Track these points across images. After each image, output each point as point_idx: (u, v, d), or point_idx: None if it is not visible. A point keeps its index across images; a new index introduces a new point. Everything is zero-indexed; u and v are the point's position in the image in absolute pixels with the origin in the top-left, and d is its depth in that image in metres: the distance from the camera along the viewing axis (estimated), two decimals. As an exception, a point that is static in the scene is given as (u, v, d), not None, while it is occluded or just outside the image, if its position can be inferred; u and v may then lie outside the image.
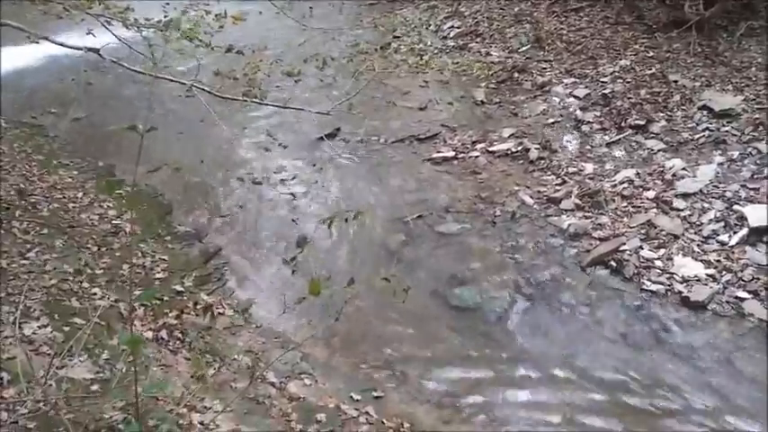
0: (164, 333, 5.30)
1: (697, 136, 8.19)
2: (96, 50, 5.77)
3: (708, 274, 6.22)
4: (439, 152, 8.70)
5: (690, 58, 9.70)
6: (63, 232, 6.37)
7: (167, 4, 6.99)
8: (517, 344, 5.72)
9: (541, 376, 5.34)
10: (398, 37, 10.87)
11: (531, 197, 7.61)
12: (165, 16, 6.28)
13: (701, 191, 7.19)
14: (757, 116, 8.15)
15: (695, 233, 6.73)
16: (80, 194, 7.34)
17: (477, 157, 8.55)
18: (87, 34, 6.50)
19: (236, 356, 5.23)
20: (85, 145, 8.64)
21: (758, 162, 7.47)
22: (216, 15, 6.27)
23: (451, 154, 8.63)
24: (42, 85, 10.04)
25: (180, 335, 5.37)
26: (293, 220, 7.32)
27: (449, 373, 5.40)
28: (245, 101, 5.73)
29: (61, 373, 4.20)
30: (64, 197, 7.22)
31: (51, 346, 4.57)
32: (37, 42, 5.96)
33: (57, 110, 9.40)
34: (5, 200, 6.64)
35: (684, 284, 6.16)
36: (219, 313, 5.92)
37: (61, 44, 5.96)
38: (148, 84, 8.77)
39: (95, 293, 5.52)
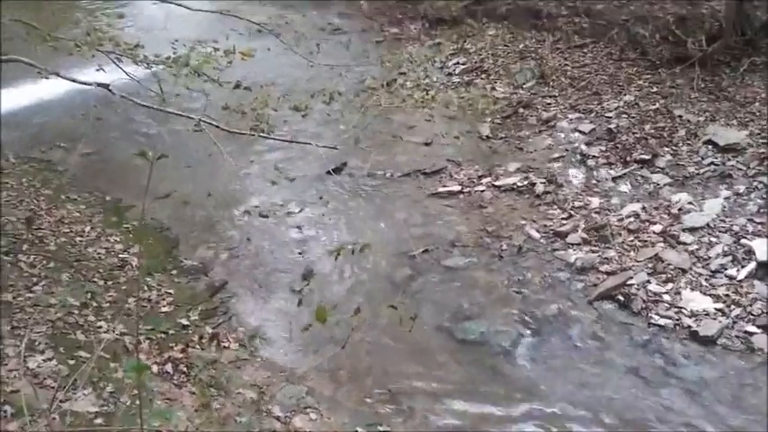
0: (168, 367, 5.29)
1: (703, 170, 8.20)
2: (106, 86, 5.84)
3: (717, 309, 6.19)
4: (445, 186, 8.72)
5: (694, 94, 9.76)
6: (70, 266, 6.39)
7: (176, 41, 7.09)
8: (524, 378, 5.67)
9: (548, 412, 5.28)
10: (404, 73, 10.97)
11: (538, 231, 7.61)
12: (175, 53, 6.39)
13: (707, 225, 7.18)
14: (762, 150, 8.16)
15: (703, 267, 6.71)
16: (87, 228, 7.38)
17: (483, 191, 8.57)
18: (97, 70, 6.59)
19: (240, 390, 5.19)
20: (93, 180, 8.69)
21: (764, 196, 7.47)
22: (224, 51, 6.36)
23: (457, 188, 8.65)
24: (52, 121, 10.14)
25: (185, 368, 5.35)
26: (299, 253, 7.33)
27: (455, 407, 5.35)
28: (253, 135, 5.79)
29: (65, 407, 4.19)
30: (71, 231, 7.25)
31: (56, 379, 4.56)
32: (47, 78, 6.04)
33: (65, 145, 9.48)
34: (13, 234, 6.68)
35: (693, 319, 6.12)
36: (225, 347, 5.90)
37: (72, 80, 6.03)
38: (157, 119, 8.91)
39: (101, 327, 5.52)
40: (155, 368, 5.18)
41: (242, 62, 6.33)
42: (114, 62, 6.63)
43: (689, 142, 8.77)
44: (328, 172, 7.78)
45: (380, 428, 5.08)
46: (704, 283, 6.50)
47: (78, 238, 7.14)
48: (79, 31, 6.91)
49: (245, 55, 6.24)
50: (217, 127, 5.59)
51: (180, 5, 7.14)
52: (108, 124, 9.83)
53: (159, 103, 6.23)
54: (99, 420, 4.11)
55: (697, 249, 6.90)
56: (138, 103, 6.01)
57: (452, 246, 7.49)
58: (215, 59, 6.36)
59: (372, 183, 8.81)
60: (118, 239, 7.22)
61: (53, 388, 4.35)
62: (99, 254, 6.91)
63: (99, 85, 5.97)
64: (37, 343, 4.95)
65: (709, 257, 6.77)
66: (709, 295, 6.35)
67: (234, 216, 8.05)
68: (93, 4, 7.89)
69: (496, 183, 8.70)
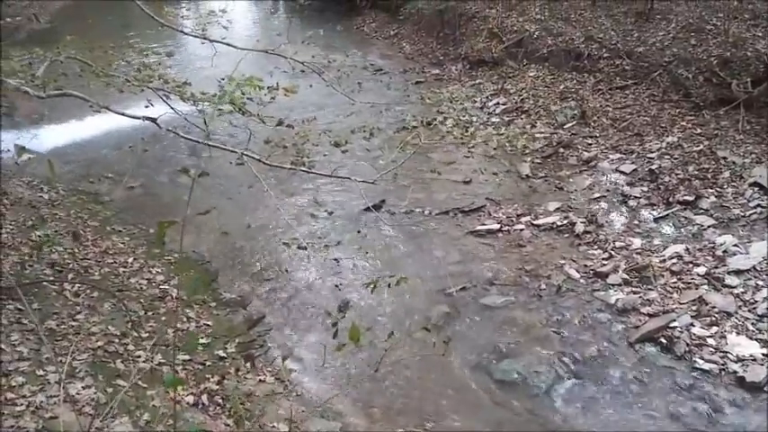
0: (204, 398, 5.30)
1: (748, 212, 8.04)
2: (153, 119, 6.01)
3: (764, 354, 5.99)
4: (483, 225, 8.70)
5: (738, 135, 9.63)
6: (112, 296, 6.50)
7: (222, 79, 7.27)
8: (561, 421, 5.54)
9: (587, 456, 5.14)
10: (444, 112, 11.06)
11: (577, 271, 7.51)
12: (221, 90, 6.55)
13: (753, 268, 7.01)
14: (811, 193, 7.99)
15: (749, 311, 6.52)
16: (130, 260, 7.51)
17: (521, 230, 8.52)
18: (146, 107, 6.79)
19: (274, 424, 5.17)
20: (138, 213, 8.89)
21: (814, 240, 7.28)
22: (268, 88, 6.49)
23: (496, 227, 8.62)
24: (101, 154, 10.47)
25: (220, 400, 5.36)
26: (336, 286, 7.35)
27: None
28: (294, 169, 5.86)
29: (102, 434, 4.23)
30: (115, 262, 7.39)
31: (94, 406, 4.60)
32: (99, 111, 6.24)
33: (113, 176, 9.76)
34: (59, 263, 6.84)
35: (739, 364, 5.93)
36: (261, 380, 5.91)
37: (121, 113, 6.22)
38: (201, 154, 9.11)
39: (140, 356, 5.57)
40: (191, 399, 5.19)
41: (285, 99, 6.45)
42: (162, 98, 6.82)
43: (734, 184, 8.62)
44: (367, 209, 7.83)
45: (414, 467, 5.00)
46: (751, 327, 6.31)
47: (122, 269, 7.26)
48: (130, 68, 7.13)
49: (288, 91, 6.35)
50: (258, 161, 5.70)
51: (227, 45, 7.34)
52: (154, 158, 10.09)
53: (204, 138, 6.39)
54: (134, 448, 4.12)
55: (743, 293, 6.72)
56: (183, 137, 6.16)
57: (490, 284, 7.43)
58: (259, 96, 6.50)
59: (410, 220, 8.84)
60: (159, 271, 7.34)
61: (91, 415, 4.39)
62: (141, 284, 7.02)
63: (146, 118, 6.16)
64: (78, 370, 5.01)
65: (756, 301, 6.58)
66: (756, 340, 6.16)
67: (273, 248, 8.13)
68: (145, 43, 8.17)
69: (536, 222, 8.65)
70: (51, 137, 10.52)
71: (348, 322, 6.04)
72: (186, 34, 7.86)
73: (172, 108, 6.64)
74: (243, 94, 6.47)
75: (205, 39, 7.28)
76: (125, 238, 8.19)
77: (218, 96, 6.49)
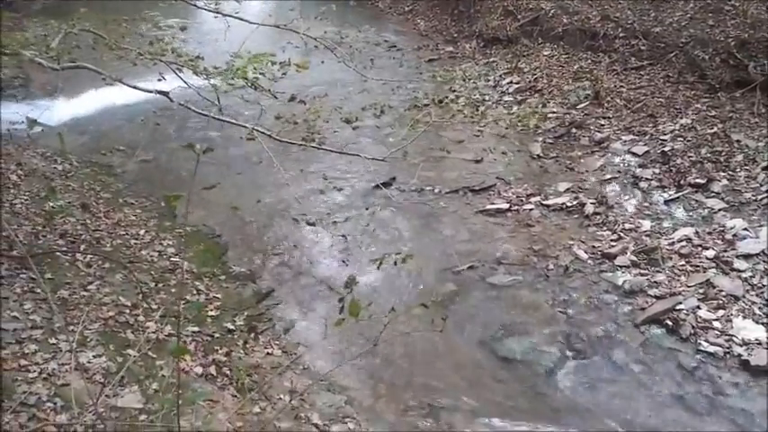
0: (212, 369, 5.39)
1: (760, 197, 7.99)
2: (165, 93, 6.05)
3: (769, 338, 6.00)
4: (493, 204, 8.70)
5: (754, 119, 9.53)
6: (123, 267, 6.58)
7: (235, 53, 7.28)
8: (565, 399, 5.59)
9: (591, 434, 5.19)
10: (456, 90, 11.01)
11: (586, 252, 7.52)
12: (233, 65, 6.57)
13: (763, 252, 6.98)
14: (824, 178, 7.93)
15: (757, 295, 6.52)
16: (142, 232, 7.59)
17: (531, 210, 8.52)
18: (159, 80, 6.83)
19: (281, 396, 5.26)
20: (150, 185, 8.95)
21: (825, 225, 7.24)
22: (280, 63, 6.51)
23: (505, 206, 8.61)
24: (113, 127, 10.52)
25: (228, 372, 5.45)
26: (344, 262, 7.41)
27: (494, 425, 5.30)
28: (304, 145, 5.90)
29: (112, 402, 4.32)
30: (127, 234, 7.48)
31: (104, 375, 4.70)
32: (111, 84, 6.29)
33: (125, 149, 9.83)
34: (72, 234, 6.93)
35: (744, 348, 5.94)
36: (268, 353, 5.99)
37: (134, 86, 6.26)
38: (213, 128, 9.14)
39: (149, 327, 5.66)
40: (199, 369, 5.28)
41: (297, 75, 6.45)
42: (175, 72, 6.85)
43: (747, 168, 8.57)
44: (377, 186, 7.85)
45: (418, 441, 5.07)
46: (757, 311, 6.31)
47: (133, 241, 7.35)
48: (143, 41, 7.15)
49: (300, 67, 6.36)
50: (269, 136, 5.73)
51: (240, 20, 7.33)
52: (165, 132, 10.13)
53: (216, 113, 6.42)
54: (143, 417, 4.21)
55: (751, 277, 6.71)
56: (195, 111, 6.20)
57: (498, 263, 7.45)
58: (271, 71, 6.51)
59: (420, 198, 8.86)
60: (170, 244, 7.42)
61: (101, 383, 4.48)
62: (152, 256, 7.10)
63: (159, 92, 6.20)
64: (89, 339, 5.10)
65: (764, 285, 6.57)
66: (763, 324, 6.16)
67: (282, 223, 8.18)
68: (158, 17, 8.17)
69: (545, 202, 8.64)
70: (65, 109, 10.57)
71: (355, 298, 6.13)
72: (199, 8, 7.82)
73: (184, 82, 6.68)
74: (255, 69, 6.51)
75: (218, 13, 7.28)
76: (137, 210, 8.27)
77: (230, 71, 6.53)
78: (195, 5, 8.26)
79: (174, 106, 6.15)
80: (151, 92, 6.10)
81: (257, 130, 5.59)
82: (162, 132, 10.10)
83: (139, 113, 10.42)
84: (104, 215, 7.83)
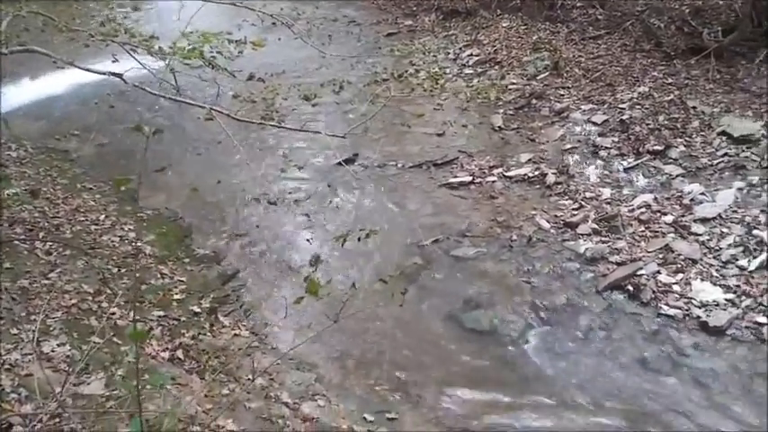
0: (179, 353, 5.36)
1: (716, 161, 8.15)
2: (119, 75, 5.92)
3: (727, 299, 6.16)
4: (456, 177, 8.73)
5: (709, 85, 9.70)
6: (84, 253, 6.48)
7: (190, 32, 7.16)
8: (532, 368, 5.69)
9: (556, 401, 5.29)
10: (416, 64, 10.96)
11: (548, 222, 7.60)
12: (188, 44, 6.45)
13: (719, 216, 7.14)
14: (777, 141, 8.11)
15: (714, 258, 6.67)
16: (102, 217, 7.47)
17: (494, 182, 8.57)
18: (113, 62, 6.68)
19: (249, 376, 5.26)
20: (108, 169, 8.79)
21: (778, 187, 7.43)
22: (236, 42, 6.41)
23: (468, 179, 8.65)
24: (67, 111, 10.28)
25: (195, 355, 5.42)
26: (308, 240, 7.38)
27: (463, 395, 5.37)
28: (263, 124, 5.84)
29: (77, 390, 4.27)
30: (86, 220, 7.36)
31: (69, 363, 4.64)
32: (63, 68, 6.14)
33: (81, 134, 9.62)
34: (30, 222, 6.79)
35: (703, 309, 6.10)
36: (235, 334, 5.98)
37: (86, 69, 6.12)
38: (170, 109, 8.99)
39: (114, 313, 5.60)
40: (166, 354, 5.25)
41: (254, 53, 6.38)
42: (129, 53, 6.72)
43: (703, 133, 8.72)
44: (339, 163, 7.82)
45: (388, 415, 5.12)
46: (715, 273, 6.47)
47: (93, 227, 7.24)
48: (95, 23, 6.98)
49: (256, 45, 6.28)
50: (227, 116, 5.65)
51: (195, -2, 7.20)
52: (121, 114, 9.94)
53: (172, 93, 6.31)
54: (110, 403, 4.17)
55: (708, 240, 6.87)
56: (150, 92, 6.08)
57: (462, 236, 7.50)
58: (227, 49, 6.42)
59: (383, 173, 8.85)
60: (131, 228, 7.32)
61: (66, 372, 4.43)
62: (113, 242, 7.01)
63: (112, 74, 6.06)
64: (52, 328, 5.03)
65: (721, 248, 6.73)
66: (720, 286, 6.32)
67: (244, 204, 8.11)
68: (109, -4, 8.01)
69: (508, 173, 8.70)
70: (16, 94, 10.29)
71: (320, 276, 6.13)
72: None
73: (139, 62, 6.55)
74: (211, 47, 6.41)
75: (172, -9, 7.14)
76: (96, 195, 8.13)
77: (185, 50, 6.41)
78: (147, -16, 8.11)
79: (129, 88, 6.02)
80: (104, 74, 5.97)
81: (215, 110, 5.51)
82: (118, 115, 9.90)
83: (93, 96, 10.19)
84: (62, 201, 7.68)
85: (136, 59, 6.41)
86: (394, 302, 4.59)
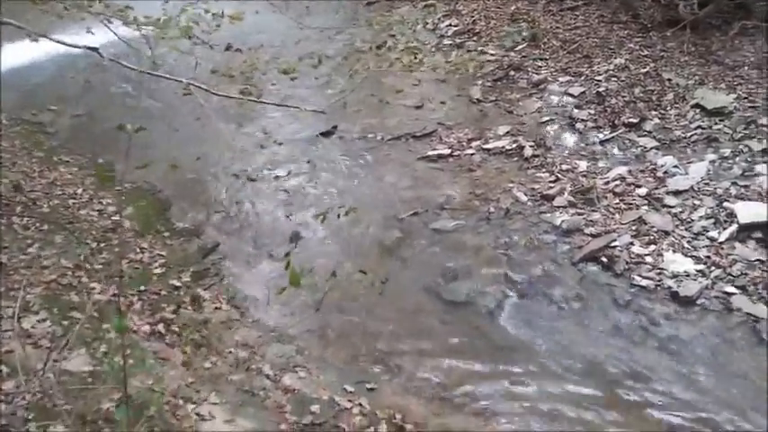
0: (161, 327, 5.41)
1: (689, 134, 8.28)
2: (95, 49, 5.82)
3: (697, 270, 6.32)
4: (435, 150, 8.78)
5: (684, 57, 9.79)
6: (63, 228, 6.47)
7: (166, 2, 7.06)
8: (508, 337, 5.82)
9: (531, 369, 5.43)
10: (394, 35, 10.92)
11: (525, 194, 7.70)
12: (165, 14, 6.37)
13: (692, 188, 7.28)
14: (749, 114, 8.25)
15: (685, 229, 6.82)
16: (80, 191, 7.44)
17: (472, 154, 8.64)
18: (87, 32, 6.58)
19: (231, 350, 5.33)
20: (85, 142, 8.73)
21: (749, 160, 7.57)
22: (213, 14, 6.34)
23: (447, 151, 8.71)
24: (42, 83, 10.13)
25: (177, 329, 5.48)
26: (287, 216, 7.41)
27: (441, 365, 5.50)
28: (242, 99, 5.82)
29: (59, 366, 4.31)
30: (64, 193, 7.32)
31: (50, 339, 4.67)
32: (36, 41, 6.04)
33: (56, 107, 9.50)
34: (6, 196, 6.75)
35: (674, 280, 6.25)
36: (216, 308, 6.03)
37: (60, 42, 6.01)
38: (147, 81, 8.88)
39: (94, 288, 5.62)
40: (147, 328, 5.30)
41: (232, 26, 6.31)
42: (105, 23, 6.61)
43: (677, 106, 8.83)
44: (318, 135, 7.82)
45: (368, 386, 5.23)
46: (686, 245, 6.62)
47: (71, 201, 7.20)
48: (68, -7, 6.84)
49: (233, 18, 6.21)
50: (206, 90, 5.62)
51: (169, -34, 7.08)
52: (98, 86, 9.81)
53: (149, 66, 6.24)
54: (92, 380, 4.22)
55: (680, 212, 7.01)
56: (126, 66, 6.02)
57: (441, 209, 7.58)
58: (205, 21, 6.35)
59: (362, 146, 8.87)
60: (110, 202, 7.30)
61: (48, 348, 4.46)
62: (92, 216, 6.99)
63: (88, 48, 5.97)
64: (31, 304, 5.03)
65: (692, 220, 6.88)
66: (691, 257, 6.48)
67: (223, 180, 8.09)
68: (82, -35, 7.82)
69: (486, 146, 8.77)
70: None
71: (300, 252, 6.18)
72: (125, -44, 7.52)
73: (115, 34, 6.45)
74: (189, 19, 6.34)
75: (146, -40, 7.01)
76: (73, 168, 8.08)
77: (162, 20, 6.33)
78: (121, -47, 7.94)
79: (105, 61, 5.95)
80: (79, 48, 5.87)
81: (193, 85, 5.47)
82: (95, 85, 9.77)
83: (69, 68, 10.04)
84: (39, 174, 7.63)
85: (112, 31, 6.30)
86: (374, 280, 4.65)
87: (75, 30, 6.69)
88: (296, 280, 2.50)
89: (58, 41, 6.01)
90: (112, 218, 7.03)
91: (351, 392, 5.10)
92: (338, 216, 3.85)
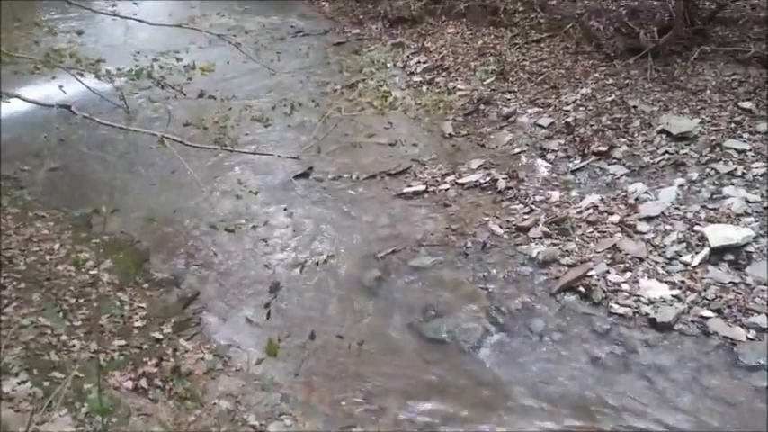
0: (143, 382, 5.38)
1: (657, 159, 8.47)
2: (68, 107, 5.90)
3: (673, 295, 6.44)
4: (410, 186, 8.89)
5: (647, 84, 10.03)
6: (40, 285, 6.43)
7: (137, 53, 7.15)
8: (489, 375, 5.85)
9: (515, 405, 5.48)
10: (365, 77, 11.12)
11: (501, 227, 7.81)
12: (136, 65, 6.44)
13: (663, 213, 7.43)
14: (713, 137, 8.46)
15: (659, 255, 6.95)
16: (57, 246, 7.39)
17: (447, 189, 8.76)
18: (60, 88, 6.63)
19: (216, 401, 5.31)
20: (61, 196, 8.70)
21: (716, 182, 7.76)
22: (185, 67, 6.43)
23: (422, 188, 8.83)
24: (14, 142, 10.09)
25: (160, 382, 5.45)
26: (266, 266, 7.38)
27: (425, 405, 5.52)
28: (216, 149, 5.88)
29: (42, 429, 4.27)
30: (40, 250, 7.27)
31: (31, 401, 4.63)
32: (8, 102, 6.09)
33: (30, 161, 9.47)
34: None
35: (651, 306, 6.36)
36: (200, 358, 6.01)
37: (33, 102, 6.09)
38: (121, 133, 8.91)
39: (74, 345, 5.59)
40: (129, 384, 5.27)
41: (202, 77, 6.39)
42: (77, 78, 6.65)
43: (644, 132, 9.04)
44: (293, 179, 7.87)
45: (354, 430, 5.23)
46: (660, 270, 6.75)
47: (48, 257, 7.15)
48: (39, 50, 6.88)
49: (205, 70, 6.30)
50: (180, 142, 5.68)
51: (139, 21, 7.18)
52: (72, 140, 9.80)
53: (124, 117, 6.30)
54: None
55: (653, 238, 7.15)
56: (100, 122, 6.07)
57: (419, 245, 7.66)
58: (178, 71, 6.43)
59: (338, 186, 8.96)
60: (88, 256, 7.26)
61: (29, 411, 4.42)
62: (69, 271, 6.94)
63: (61, 106, 6.02)
64: (11, 366, 4.99)
65: (665, 245, 7.02)
66: (666, 282, 6.60)
67: (200, 232, 8.05)
68: (52, 22, 7.89)
69: (460, 180, 8.90)
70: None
71: (281, 300, 6.20)
72: (95, 11, 7.62)
73: (87, 87, 6.49)
74: (161, 68, 6.42)
75: (116, 15, 7.11)
76: (49, 223, 8.04)
77: (134, 72, 6.41)
78: (91, 9, 8.04)
79: (79, 118, 6.00)
80: (52, 106, 5.94)
81: (167, 137, 5.54)
82: (68, 142, 9.77)
83: (41, 126, 10.04)
84: (14, 231, 7.58)
85: (84, 85, 6.35)
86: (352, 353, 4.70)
87: (47, 85, 6.72)
88: (273, 350, 2.54)
89: (31, 101, 6.08)
90: (90, 272, 6.99)
91: (337, 439, 5.10)
92: (317, 264, 3.89)
